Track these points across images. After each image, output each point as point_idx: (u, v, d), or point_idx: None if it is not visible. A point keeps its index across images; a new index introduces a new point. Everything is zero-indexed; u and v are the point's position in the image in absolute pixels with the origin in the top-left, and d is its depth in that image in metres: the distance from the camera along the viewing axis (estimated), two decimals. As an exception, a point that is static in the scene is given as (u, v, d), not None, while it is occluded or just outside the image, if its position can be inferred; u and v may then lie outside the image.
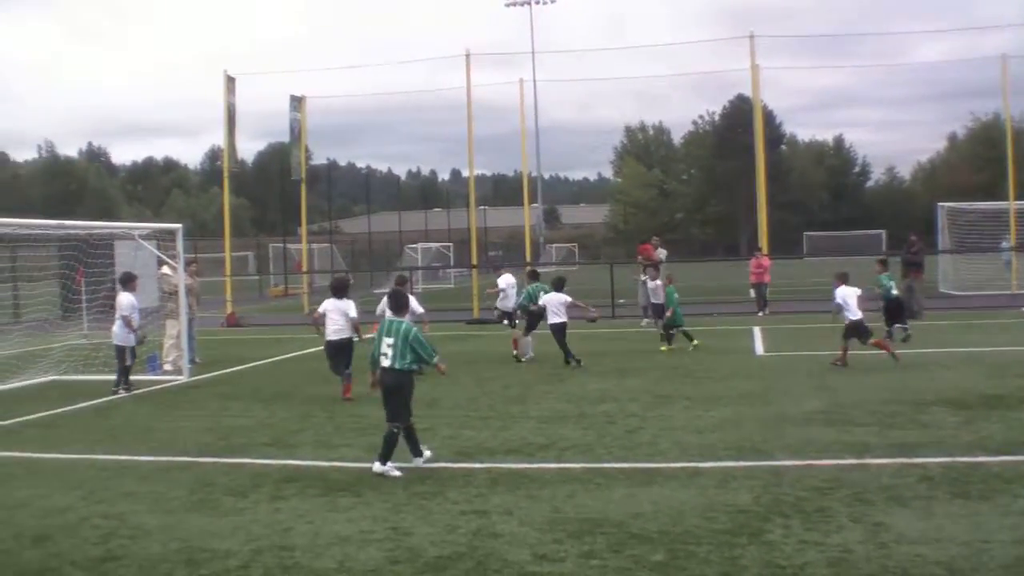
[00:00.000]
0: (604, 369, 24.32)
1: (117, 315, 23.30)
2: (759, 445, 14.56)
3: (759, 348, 28.52)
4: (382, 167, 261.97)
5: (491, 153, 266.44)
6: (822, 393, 19.40)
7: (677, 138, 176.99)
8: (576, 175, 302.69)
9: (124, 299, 23.27)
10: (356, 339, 21.58)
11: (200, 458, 14.94)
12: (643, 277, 37.09)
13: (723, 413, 17.43)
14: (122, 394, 22.61)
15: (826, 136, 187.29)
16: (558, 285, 26.55)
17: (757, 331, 32.88)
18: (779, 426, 15.99)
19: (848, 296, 24.22)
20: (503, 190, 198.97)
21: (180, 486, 13.16)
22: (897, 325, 29.04)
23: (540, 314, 26.88)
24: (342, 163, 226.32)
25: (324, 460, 14.49)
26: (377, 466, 13.61)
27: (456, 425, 16.89)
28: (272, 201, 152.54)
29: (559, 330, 25.79)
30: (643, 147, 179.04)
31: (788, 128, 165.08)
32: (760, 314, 39.38)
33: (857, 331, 23.90)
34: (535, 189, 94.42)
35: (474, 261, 51.02)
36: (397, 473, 13.49)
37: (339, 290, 22.22)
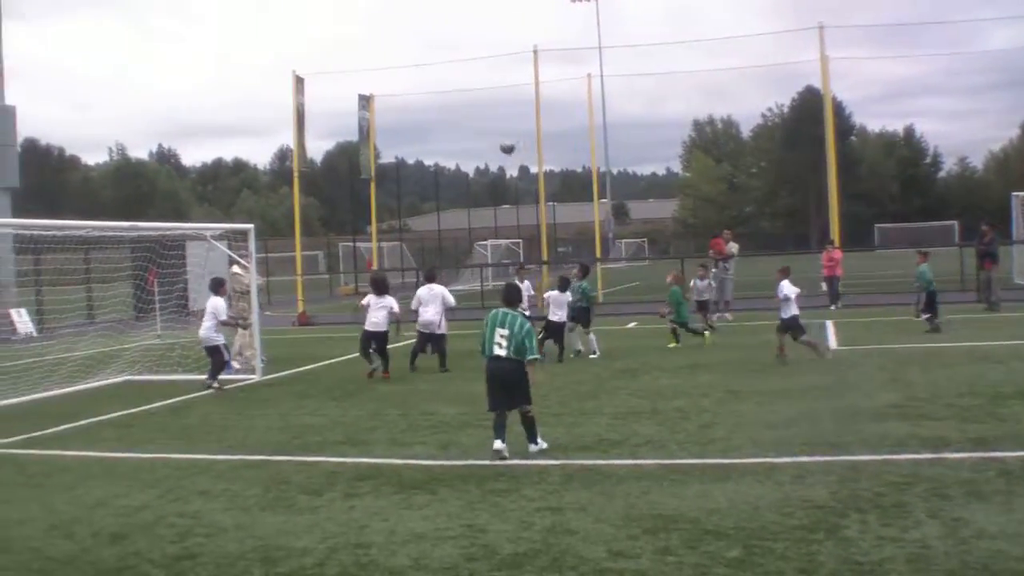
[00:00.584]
0: (676, 364, 24.23)
1: (207, 317, 23.75)
2: (834, 440, 14.42)
3: (832, 342, 28.27)
4: (450, 164, 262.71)
5: (559, 149, 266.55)
6: (897, 386, 19.20)
7: (746, 131, 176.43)
8: (644, 170, 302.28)
9: (216, 303, 23.74)
10: (395, 330, 25.30)
11: (274, 456, 15.03)
12: (713, 271, 37.06)
13: (797, 408, 17.30)
14: (215, 388, 23.17)
15: (896, 126, 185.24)
16: (562, 285, 27.02)
17: (829, 325, 32.61)
18: (854, 420, 15.84)
19: (790, 292, 24.80)
20: (572, 186, 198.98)
21: (255, 484, 13.24)
22: (924, 316, 29.02)
23: (589, 309, 27.67)
24: (410, 161, 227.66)
25: (398, 458, 14.51)
26: (533, 447, 14.55)
27: (528, 422, 16.87)
28: (341, 200, 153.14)
29: (559, 328, 26.37)
30: (712, 141, 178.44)
31: (858, 119, 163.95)
32: (832, 307, 39.08)
33: (792, 327, 24.48)
34: (604, 184, 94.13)
35: (544, 257, 51.07)
36: (545, 445, 14.62)
37: (378, 286, 25.54)
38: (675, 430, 15.72)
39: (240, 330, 27.26)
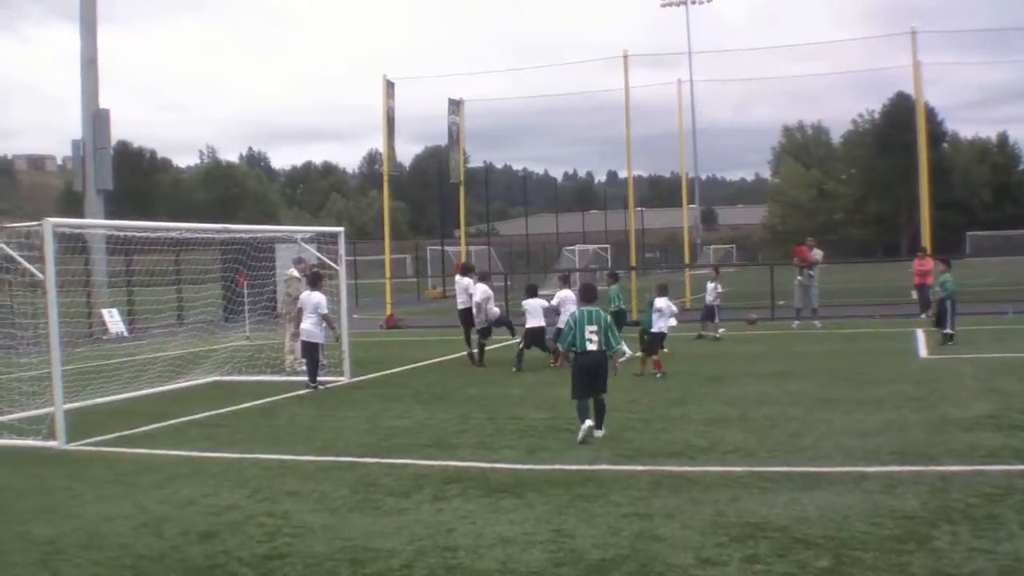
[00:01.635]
0: (764, 371, 24.06)
1: (307, 314, 23.97)
2: (925, 449, 14.25)
3: (922, 351, 27.97)
4: (539, 169, 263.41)
5: (648, 155, 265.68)
6: (989, 397, 18.94)
7: (836, 137, 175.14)
8: (733, 176, 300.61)
9: (316, 298, 23.93)
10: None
11: (362, 458, 15.11)
12: (798, 278, 37.05)
13: (886, 417, 17.11)
14: (319, 390, 23.54)
15: (989, 133, 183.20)
16: (531, 291, 27.89)
17: (920, 333, 32.23)
18: (945, 430, 15.65)
19: (665, 308, 25.28)
20: (660, 191, 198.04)
21: (343, 486, 13.31)
22: (943, 330, 28.80)
23: (620, 315, 28.08)
24: (499, 166, 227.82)
25: (485, 461, 14.52)
26: (598, 433, 15.97)
27: (616, 427, 16.79)
28: (429, 204, 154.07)
29: (537, 333, 26.86)
30: (801, 147, 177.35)
31: (950, 125, 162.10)
32: (923, 316, 38.63)
33: (657, 342, 25.06)
34: (692, 190, 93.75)
35: (632, 262, 50.90)
36: (602, 432, 16.01)
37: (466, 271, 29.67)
38: (764, 437, 15.62)
39: (291, 334, 27.46)
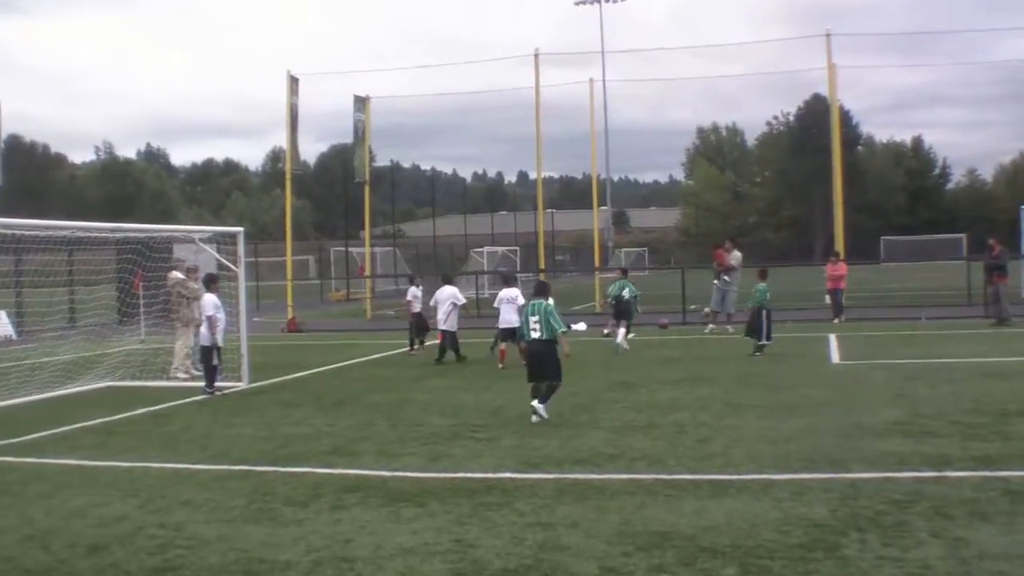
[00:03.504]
0: (675, 377, 24.21)
1: (203, 316, 23.88)
2: (835, 456, 14.40)
3: (835, 356, 28.30)
4: (447, 169, 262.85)
5: (559, 155, 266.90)
6: (900, 403, 19.19)
7: (751, 139, 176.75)
8: (646, 177, 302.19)
9: (208, 300, 23.81)
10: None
11: (259, 467, 14.99)
12: (715, 281, 37.35)
13: (797, 423, 17.28)
14: (216, 395, 23.45)
15: (904, 137, 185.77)
16: (510, 281, 30.44)
17: (833, 339, 32.60)
18: (856, 437, 15.83)
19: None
20: (571, 193, 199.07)
21: (238, 495, 13.20)
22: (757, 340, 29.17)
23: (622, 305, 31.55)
24: (406, 165, 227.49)
25: (387, 469, 14.47)
26: (539, 406, 18.18)
27: (522, 434, 16.85)
28: (334, 204, 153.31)
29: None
30: (716, 149, 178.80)
31: (865, 128, 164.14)
32: (836, 321, 39.08)
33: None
34: (604, 191, 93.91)
35: (541, 265, 51.06)
36: (546, 416, 18.09)
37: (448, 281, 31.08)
38: (673, 444, 15.70)
39: (183, 339, 27.31)
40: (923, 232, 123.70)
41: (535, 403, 18.24)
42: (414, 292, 33.29)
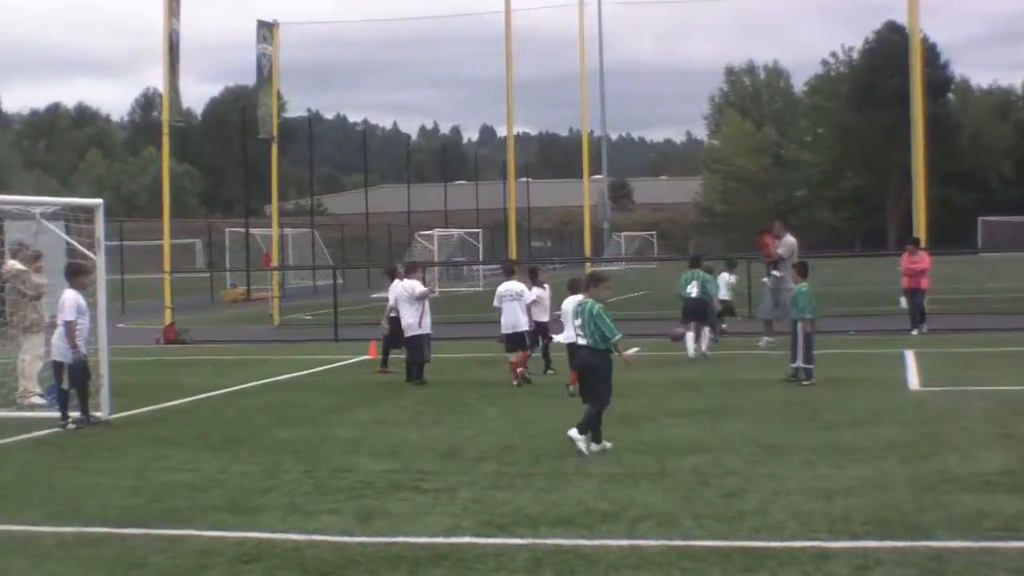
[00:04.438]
0: (693, 407, 24.23)
1: (59, 320, 23.66)
2: (913, 517, 14.43)
3: (912, 380, 28.37)
4: (384, 122, 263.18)
5: (537, 105, 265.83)
6: (1005, 445, 19.26)
7: (799, 84, 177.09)
8: (655, 136, 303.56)
9: (69, 299, 23.48)
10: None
11: (123, 528, 14.94)
12: (765, 279, 37.06)
13: (861, 471, 17.31)
14: (71, 428, 23.32)
15: (1012, 80, 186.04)
16: (511, 272, 31.60)
17: (910, 356, 32.68)
18: (942, 491, 15.86)
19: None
20: (553, 156, 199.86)
21: (96, 568, 13.16)
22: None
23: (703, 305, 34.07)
24: (328, 116, 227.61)
25: (299, 532, 14.48)
26: (574, 432, 19.01)
27: (485, 484, 16.89)
28: (230, 169, 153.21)
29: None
30: (751, 97, 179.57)
31: (958, 69, 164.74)
32: (915, 332, 39.15)
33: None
34: (598, 155, 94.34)
35: (512, 253, 51.09)
36: (587, 451, 18.87)
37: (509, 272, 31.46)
38: (690, 499, 15.73)
39: (32, 349, 27.13)
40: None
41: (571, 432, 19.08)
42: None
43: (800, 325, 27.80)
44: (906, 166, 59.75)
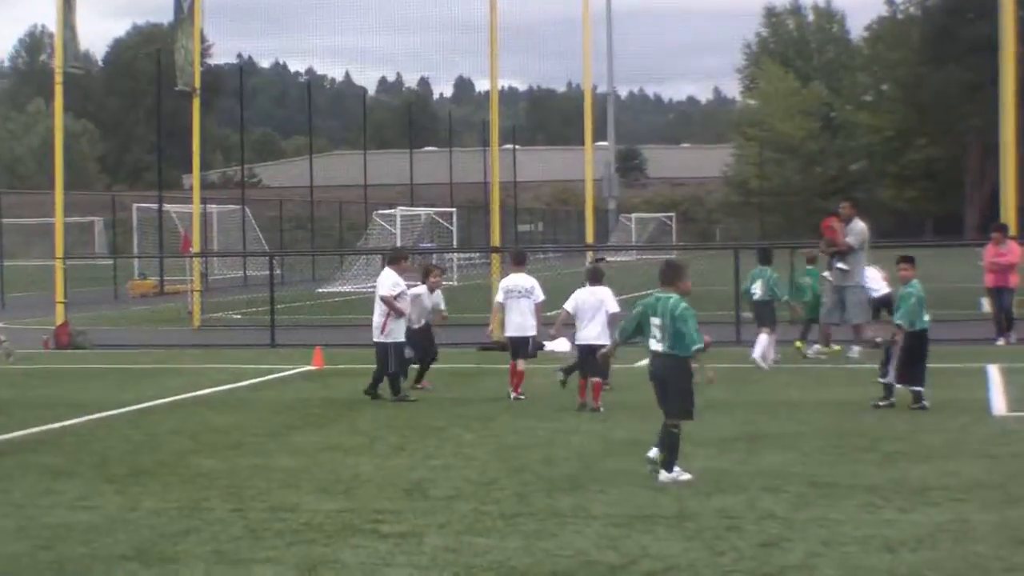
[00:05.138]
0: (721, 434, 24.28)
1: None
2: (1000, 574, 14.46)
3: (998, 402, 28.40)
4: (335, 72, 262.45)
5: (527, 53, 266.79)
6: (1117, 485, 19.32)
7: (857, 29, 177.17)
8: (675, 93, 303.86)
9: None
10: None
11: (5, 581, 14.97)
12: (826, 273, 37.05)
13: (934, 517, 17.35)
14: None
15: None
16: (520, 261, 31.81)
17: (994, 372, 32.77)
18: (1035, 541, 15.91)
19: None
20: (546, 117, 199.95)
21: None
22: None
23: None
24: (264, 64, 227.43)
25: (226, 586, 14.51)
26: (663, 476, 19.65)
27: (459, 528, 16.94)
28: (139, 128, 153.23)
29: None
30: (796, 44, 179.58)
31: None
32: (1001, 342, 39.17)
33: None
34: (603, 116, 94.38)
35: (495, 239, 51.08)
36: (688, 476, 19.68)
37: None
38: (717, 549, 15.76)
39: None
40: None
41: (651, 455, 20.13)
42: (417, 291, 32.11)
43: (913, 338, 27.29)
44: (990, 134, 59.85)
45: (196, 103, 53.78)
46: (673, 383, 19.96)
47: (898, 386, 27.34)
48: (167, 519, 17.98)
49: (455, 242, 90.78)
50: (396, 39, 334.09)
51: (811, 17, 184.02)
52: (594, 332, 28.36)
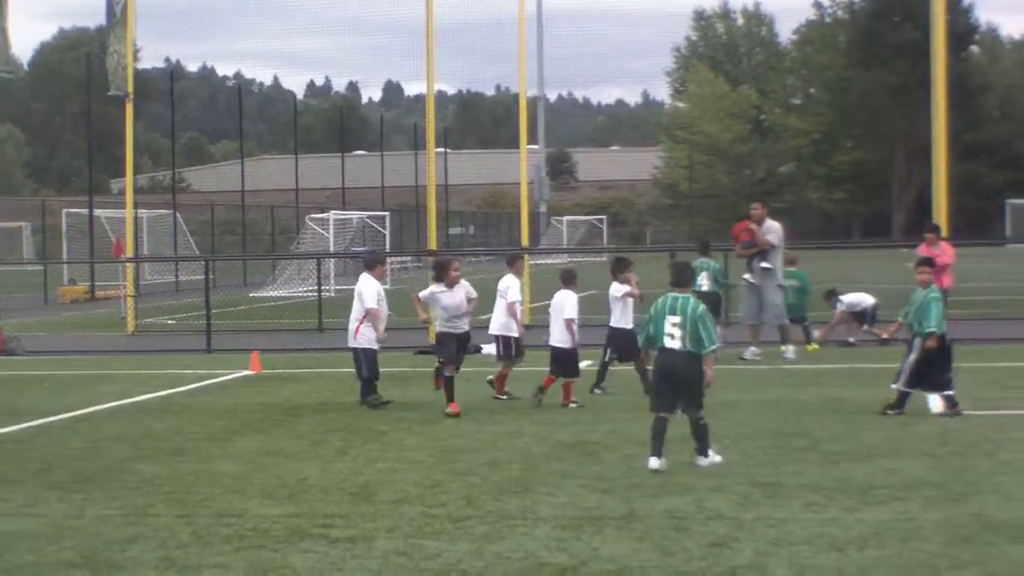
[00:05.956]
0: (668, 435, 24.24)
1: None
2: (945, 574, 14.53)
3: (935, 402, 28.40)
4: (264, 76, 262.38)
5: (457, 56, 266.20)
6: (1056, 482, 19.41)
7: (786, 33, 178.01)
8: (605, 97, 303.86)
9: None
10: None
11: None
12: (746, 275, 37.33)
13: (879, 516, 17.43)
14: None
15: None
16: (514, 264, 31.79)
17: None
18: (982, 541, 15.97)
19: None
20: (476, 122, 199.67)
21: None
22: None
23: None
24: (192, 69, 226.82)
25: (175, 594, 14.49)
26: (701, 461, 21.14)
27: (408, 531, 16.96)
28: (67, 134, 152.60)
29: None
30: (726, 48, 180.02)
31: (985, 15, 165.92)
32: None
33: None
34: (534, 120, 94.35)
35: (432, 242, 51.06)
36: (719, 459, 21.14)
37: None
38: (667, 550, 15.81)
39: None
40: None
41: (655, 466, 20.92)
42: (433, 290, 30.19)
43: (917, 341, 26.78)
44: (917, 136, 60.26)
45: (129, 108, 53.51)
46: (695, 380, 21.09)
47: (912, 392, 26.64)
48: (113, 526, 17.93)
49: (388, 245, 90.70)
50: (324, 43, 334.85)
51: (740, 21, 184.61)
52: (556, 335, 29.07)
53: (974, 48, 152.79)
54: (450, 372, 28.20)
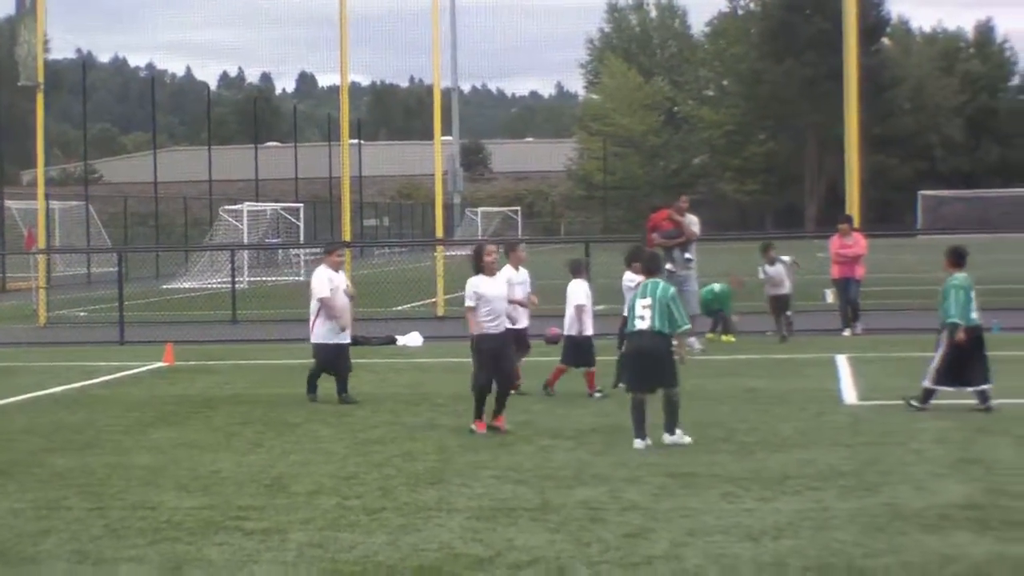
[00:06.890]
0: (580, 426, 24.29)
1: None
2: (861, 563, 14.58)
3: (848, 392, 28.59)
4: (176, 67, 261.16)
5: (371, 48, 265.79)
6: (967, 472, 19.49)
7: (698, 24, 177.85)
8: (518, 88, 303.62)
9: None
10: None
11: None
12: (668, 266, 37.23)
13: (794, 506, 17.48)
14: None
15: (963, 23, 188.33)
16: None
17: (842, 362, 32.97)
18: (895, 530, 16.02)
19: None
20: (390, 112, 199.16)
21: None
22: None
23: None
24: (103, 59, 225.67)
25: (88, 585, 14.40)
26: (667, 438, 22.10)
27: (323, 523, 16.91)
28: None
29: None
30: (639, 40, 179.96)
31: (896, 7, 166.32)
32: (847, 332, 39.39)
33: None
34: (449, 111, 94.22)
35: (346, 233, 50.94)
36: (688, 439, 22.01)
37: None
38: (582, 540, 15.80)
39: None
40: (990, 183, 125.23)
41: (642, 447, 21.95)
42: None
43: (944, 334, 25.51)
44: (828, 128, 60.61)
45: (40, 98, 53.27)
46: (665, 357, 21.99)
47: (942, 389, 25.35)
48: (24, 519, 17.82)
49: (302, 237, 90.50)
50: (238, 34, 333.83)
51: (653, 13, 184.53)
52: (566, 323, 29.28)
53: (885, 41, 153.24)
54: (511, 388, 25.96)
